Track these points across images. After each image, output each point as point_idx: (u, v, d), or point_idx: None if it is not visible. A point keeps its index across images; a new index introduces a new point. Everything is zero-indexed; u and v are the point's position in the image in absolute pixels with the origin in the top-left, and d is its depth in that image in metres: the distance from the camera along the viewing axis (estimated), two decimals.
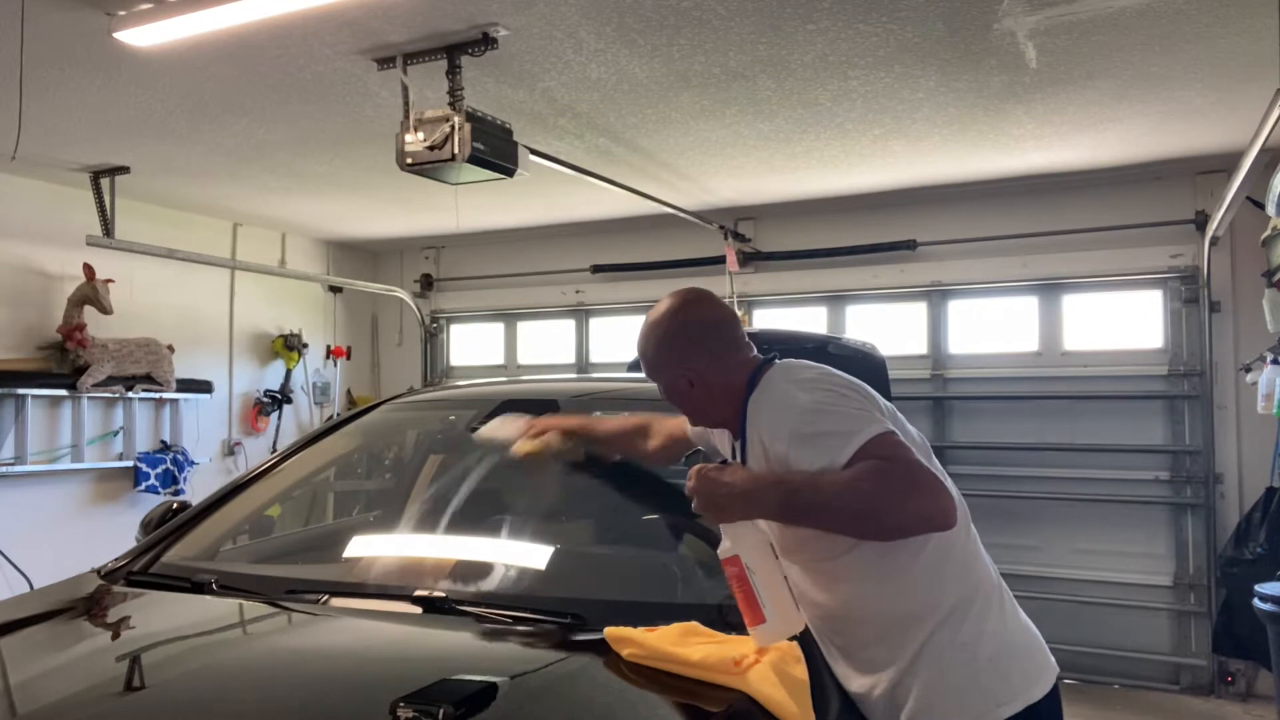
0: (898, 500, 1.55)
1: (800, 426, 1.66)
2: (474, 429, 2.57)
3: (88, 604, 2.16)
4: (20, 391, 5.12)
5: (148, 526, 2.62)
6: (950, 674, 1.67)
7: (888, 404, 1.79)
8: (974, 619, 1.70)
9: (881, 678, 1.71)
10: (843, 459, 1.59)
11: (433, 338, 7.67)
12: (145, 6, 3.03)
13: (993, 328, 5.88)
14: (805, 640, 1.78)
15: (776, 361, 1.86)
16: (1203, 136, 4.58)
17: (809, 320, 6.35)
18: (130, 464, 5.69)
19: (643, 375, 1.99)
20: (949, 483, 1.72)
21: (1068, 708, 1.82)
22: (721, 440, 2.00)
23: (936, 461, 1.77)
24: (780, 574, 1.69)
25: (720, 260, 6.30)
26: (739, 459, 1.83)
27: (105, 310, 5.30)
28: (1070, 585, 5.45)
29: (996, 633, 1.72)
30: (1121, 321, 5.59)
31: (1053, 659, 1.80)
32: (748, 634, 1.68)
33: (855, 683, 1.76)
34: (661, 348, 1.87)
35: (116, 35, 3.13)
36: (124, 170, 5.02)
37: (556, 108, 4.05)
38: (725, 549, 1.69)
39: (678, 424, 2.20)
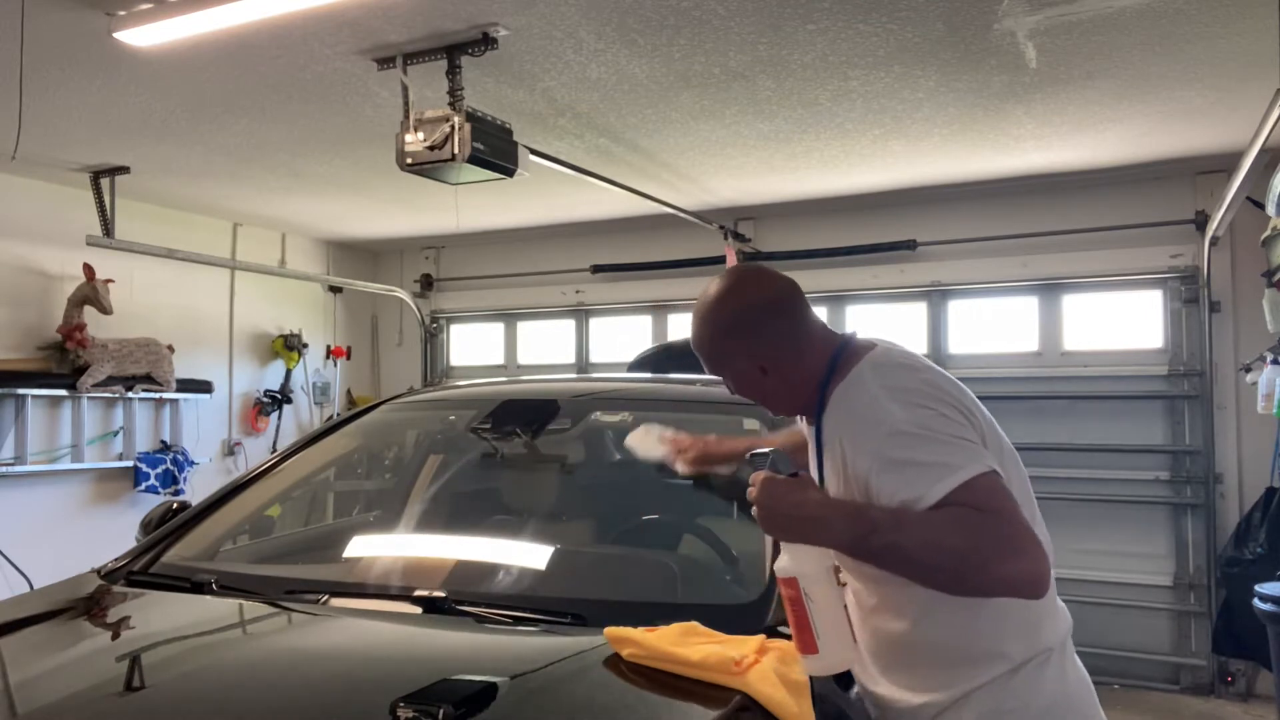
0: (987, 563, 1.38)
1: (890, 450, 1.47)
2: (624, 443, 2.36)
3: (88, 604, 2.16)
4: (20, 391, 5.12)
5: (148, 526, 2.61)
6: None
7: (987, 416, 1.62)
8: (1034, 668, 1.58)
9: (923, 699, 1.61)
10: (934, 497, 1.40)
11: (433, 338, 7.67)
12: (145, 6, 3.03)
13: (993, 328, 5.88)
14: None
15: (862, 343, 1.67)
16: (1203, 136, 4.58)
17: None
18: (130, 464, 5.69)
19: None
20: (1042, 530, 1.57)
21: None
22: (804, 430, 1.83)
23: (1029, 488, 1.63)
24: (841, 603, 1.55)
25: (720, 260, 6.30)
26: (814, 449, 1.67)
27: (105, 310, 5.30)
28: (1070, 585, 5.42)
29: (1055, 683, 1.60)
30: (1121, 321, 5.58)
31: (1102, 711, 1.69)
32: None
33: (890, 694, 1.67)
34: (726, 336, 1.66)
35: (116, 35, 3.13)
36: (124, 170, 5.03)
37: (556, 108, 4.05)
38: (784, 568, 1.54)
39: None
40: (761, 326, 1.65)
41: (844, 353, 1.65)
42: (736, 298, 1.67)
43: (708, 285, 1.71)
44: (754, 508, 1.53)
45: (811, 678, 1.60)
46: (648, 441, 2.27)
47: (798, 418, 1.89)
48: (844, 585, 1.61)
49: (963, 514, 1.39)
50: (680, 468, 2.19)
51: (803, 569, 1.52)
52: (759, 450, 1.63)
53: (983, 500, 1.41)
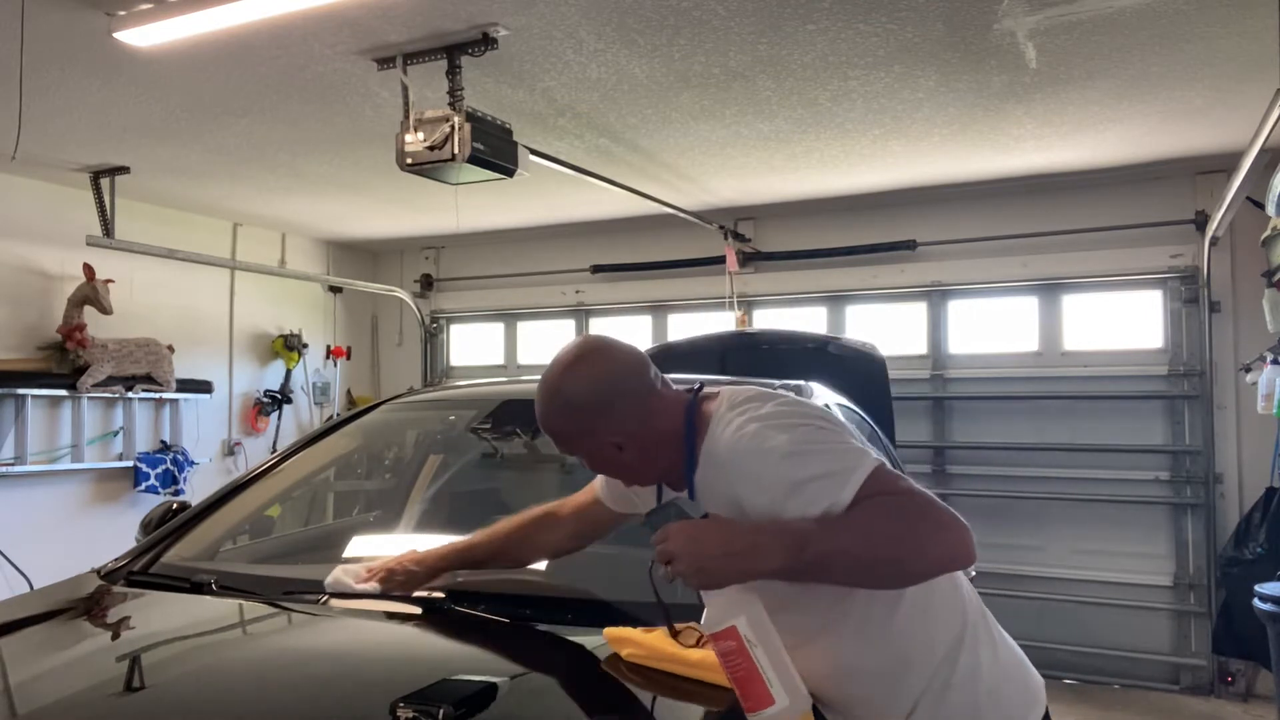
0: (921, 540, 1.38)
1: (787, 473, 1.43)
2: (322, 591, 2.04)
3: (88, 604, 2.16)
4: (20, 391, 5.12)
5: (148, 526, 2.61)
6: (951, 717, 1.57)
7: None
8: (967, 653, 1.59)
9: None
10: (844, 500, 1.40)
11: (433, 338, 7.67)
12: (145, 6, 3.03)
13: (993, 328, 5.88)
14: None
15: (709, 391, 1.63)
16: (1203, 136, 4.58)
17: (809, 320, 6.35)
18: (130, 464, 5.69)
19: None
20: None
21: (1068, 708, 1.81)
22: (646, 496, 1.75)
23: None
24: (780, 642, 1.44)
25: (720, 260, 6.30)
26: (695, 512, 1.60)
27: (105, 310, 5.30)
28: (1070, 585, 5.45)
29: (990, 662, 1.62)
30: (1121, 321, 5.59)
31: (1038, 675, 1.73)
32: None
33: None
34: (574, 416, 1.60)
35: (116, 35, 3.13)
36: (124, 170, 5.02)
37: (556, 108, 4.05)
38: (716, 621, 1.41)
39: (585, 496, 1.95)
40: (609, 402, 1.58)
41: (696, 407, 1.61)
42: (581, 374, 1.61)
43: (551, 362, 1.67)
44: (672, 564, 1.41)
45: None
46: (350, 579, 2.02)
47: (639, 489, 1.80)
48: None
49: (880, 502, 1.39)
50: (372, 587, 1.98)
51: (739, 615, 1.40)
52: (657, 508, 1.55)
53: (888, 486, 1.42)
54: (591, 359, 1.64)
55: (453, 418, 3.22)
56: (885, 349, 4.59)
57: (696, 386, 1.66)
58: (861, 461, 1.44)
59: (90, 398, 5.45)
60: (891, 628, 1.54)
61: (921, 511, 1.40)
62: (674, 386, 1.66)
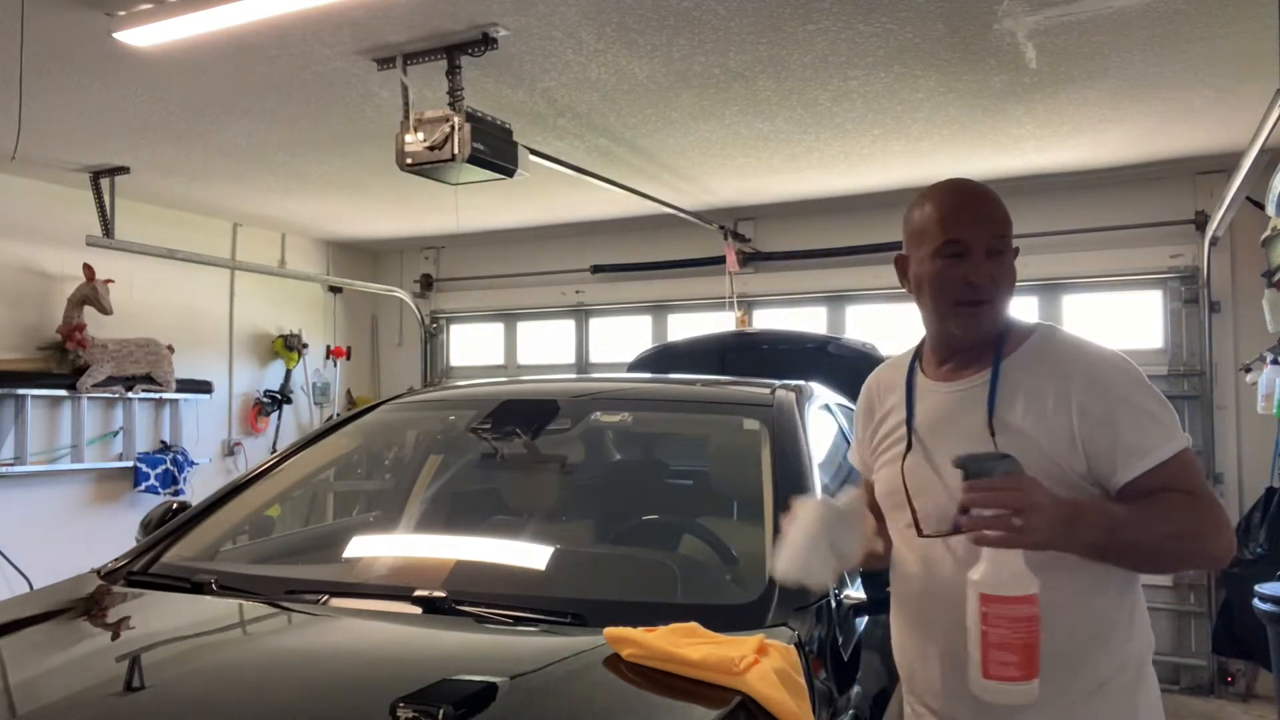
0: (1207, 543, 1.47)
1: (1135, 396, 1.54)
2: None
3: (88, 604, 2.15)
4: (20, 391, 5.12)
5: (148, 526, 2.61)
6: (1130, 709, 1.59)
7: None
8: (1149, 666, 1.63)
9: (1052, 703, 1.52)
10: (1161, 455, 1.48)
11: (433, 338, 7.68)
12: (145, 6, 3.02)
13: None
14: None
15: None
16: (1203, 136, 4.58)
17: (809, 320, 6.35)
18: (130, 464, 5.69)
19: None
20: None
21: None
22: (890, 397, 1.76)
23: None
24: None
25: (720, 260, 6.30)
26: (987, 409, 1.57)
27: (105, 310, 5.30)
28: None
29: (1152, 682, 1.64)
30: (1121, 322, 5.59)
31: None
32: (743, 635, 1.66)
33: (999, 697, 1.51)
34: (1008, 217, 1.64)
35: (116, 35, 3.13)
36: (124, 170, 5.03)
37: (556, 108, 4.05)
38: (1010, 584, 1.32)
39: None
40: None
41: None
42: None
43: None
44: (1019, 515, 1.34)
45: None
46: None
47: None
48: None
49: (1185, 503, 1.47)
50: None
51: (1034, 582, 1.33)
52: (992, 453, 1.45)
53: (1191, 473, 1.51)
54: None
55: (453, 418, 3.22)
56: (885, 349, 4.58)
57: None
58: (1182, 432, 1.55)
59: (90, 398, 5.45)
60: (1104, 600, 1.57)
61: (1213, 513, 1.49)
62: None
